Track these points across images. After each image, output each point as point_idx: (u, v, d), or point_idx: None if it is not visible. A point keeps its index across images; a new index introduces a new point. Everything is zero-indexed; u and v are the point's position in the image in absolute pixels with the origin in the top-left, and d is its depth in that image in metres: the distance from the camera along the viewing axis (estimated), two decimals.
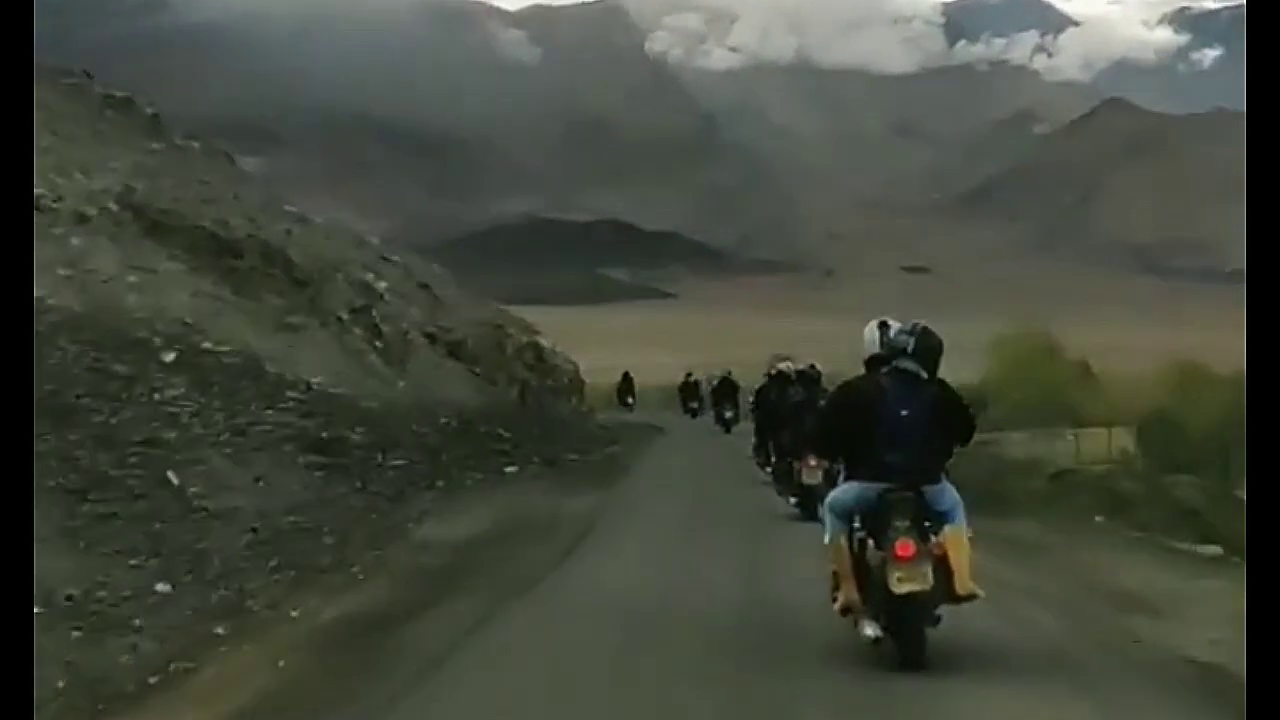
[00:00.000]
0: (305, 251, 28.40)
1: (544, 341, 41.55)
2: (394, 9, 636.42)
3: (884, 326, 10.28)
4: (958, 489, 9.95)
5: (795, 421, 19.95)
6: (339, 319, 27.29)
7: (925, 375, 9.80)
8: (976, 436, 10.70)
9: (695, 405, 55.27)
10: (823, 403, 12.37)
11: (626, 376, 64.80)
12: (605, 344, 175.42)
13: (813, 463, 18.63)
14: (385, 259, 35.19)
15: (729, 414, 44.89)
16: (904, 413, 9.60)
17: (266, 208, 31.27)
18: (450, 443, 24.40)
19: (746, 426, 45.66)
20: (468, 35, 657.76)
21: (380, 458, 21.00)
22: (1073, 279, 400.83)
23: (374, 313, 28.37)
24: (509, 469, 24.72)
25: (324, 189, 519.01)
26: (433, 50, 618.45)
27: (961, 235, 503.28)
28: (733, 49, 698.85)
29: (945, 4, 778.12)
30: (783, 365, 24.49)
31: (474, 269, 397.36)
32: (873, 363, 10.19)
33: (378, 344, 27.74)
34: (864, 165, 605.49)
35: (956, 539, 9.66)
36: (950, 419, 9.92)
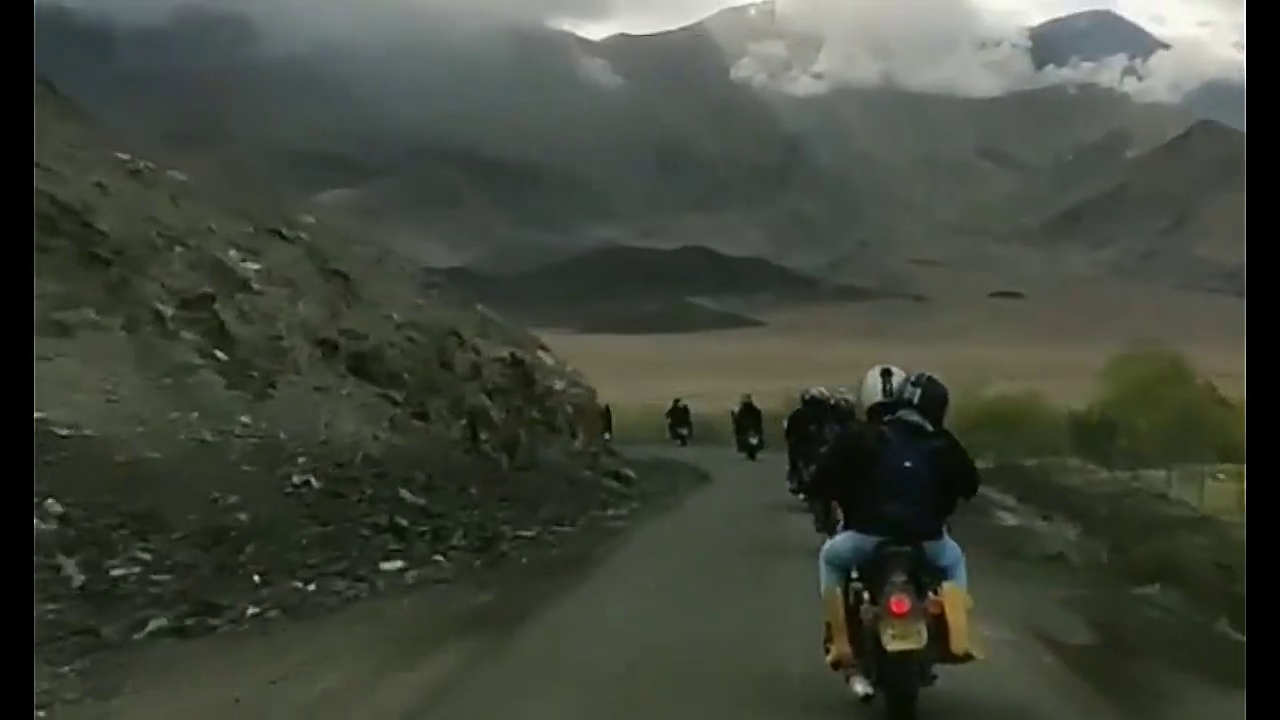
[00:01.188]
0: (125, 216, 18.73)
1: (546, 359, 31.69)
2: (478, 39, 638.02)
3: (887, 374, 9.86)
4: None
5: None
6: (158, 315, 17.49)
7: (930, 427, 9.44)
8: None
9: (685, 433, 51.71)
10: (823, 449, 11.32)
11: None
12: (691, 372, 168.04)
13: None
14: (277, 233, 24.54)
15: (754, 440, 43.27)
16: (906, 464, 9.25)
17: (79, 153, 21.32)
18: (282, 521, 14.37)
19: (768, 455, 41.02)
20: (552, 64, 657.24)
21: (72, 567, 10.90)
22: (1169, 303, 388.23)
23: (218, 307, 18.40)
24: (388, 565, 14.55)
25: (411, 220, 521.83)
26: (517, 80, 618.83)
27: (1053, 260, 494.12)
28: (817, 75, 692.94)
29: (1032, 28, 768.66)
30: (815, 390, 23.79)
31: (558, 297, 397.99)
32: (875, 411, 9.77)
33: (220, 354, 17.81)
34: (952, 190, 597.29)
35: (955, 597, 9.16)
36: (954, 473, 9.42)
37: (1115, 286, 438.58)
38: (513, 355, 26.86)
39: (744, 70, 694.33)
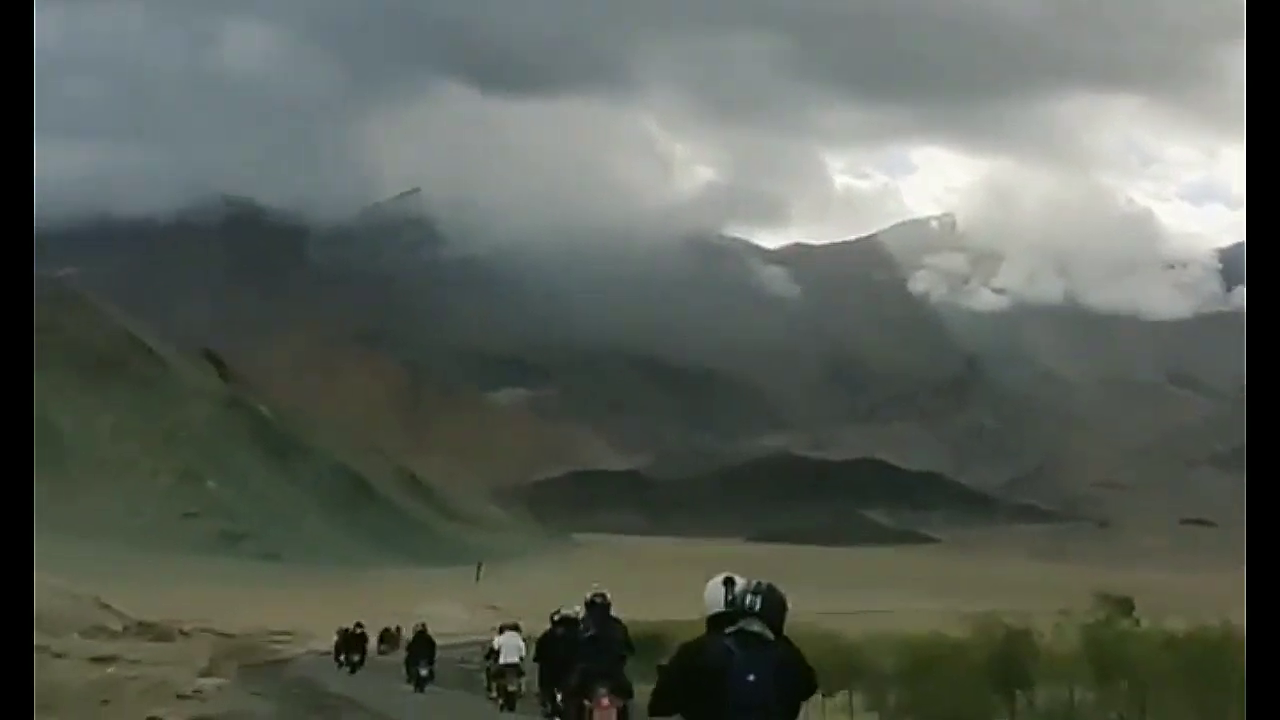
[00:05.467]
0: None
1: None
2: (656, 244, 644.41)
3: (729, 583, 9.87)
4: None
5: (587, 658, 18.97)
6: None
7: (770, 635, 9.39)
8: None
9: (424, 673, 44.79)
10: (663, 663, 10.34)
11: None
12: (860, 588, 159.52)
13: (605, 703, 18.13)
14: None
15: (424, 672, 42.24)
16: (751, 677, 9.18)
17: None
18: None
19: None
20: (729, 272, 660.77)
21: None
22: None
23: None
24: None
25: (583, 423, 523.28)
26: (693, 285, 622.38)
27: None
28: (998, 290, 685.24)
29: (1221, 249, 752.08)
30: (568, 611, 23.06)
31: (727, 505, 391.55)
32: (716, 621, 9.70)
33: None
34: (1138, 413, 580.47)
35: None
36: (796, 679, 9.43)
37: None
38: None
39: (922, 283, 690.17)
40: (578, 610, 21.63)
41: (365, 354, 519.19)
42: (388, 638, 55.27)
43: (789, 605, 9.52)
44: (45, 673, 29.94)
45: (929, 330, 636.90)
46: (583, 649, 19.38)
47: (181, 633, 67.12)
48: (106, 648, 49.13)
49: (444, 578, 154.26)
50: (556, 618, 23.95)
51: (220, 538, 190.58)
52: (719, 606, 9.68)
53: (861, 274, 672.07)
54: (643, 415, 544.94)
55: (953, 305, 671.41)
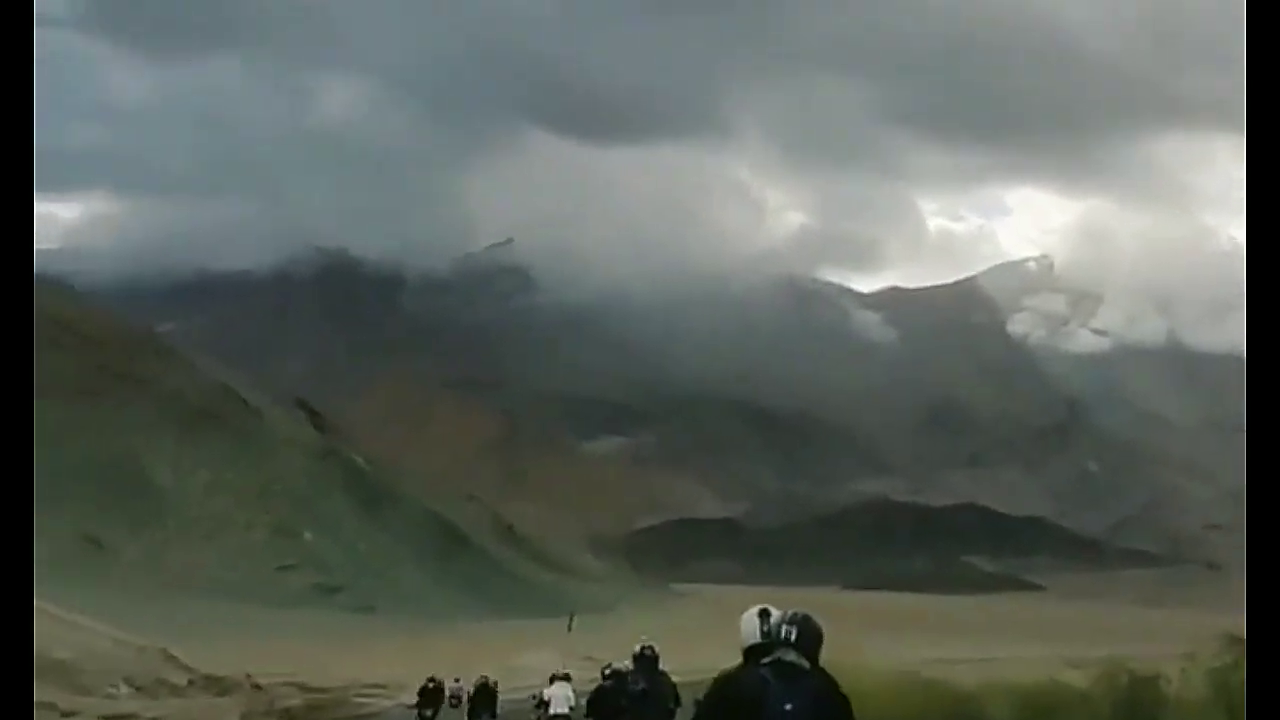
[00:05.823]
0: None
1: None
2: (750, 290, 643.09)
3: (764, 615, 9.99)
4: None
5: (636, 711, 19.45)
6: None
7: (806, 665, 9.38)
8: None
9: (430, 714, 48.50)
10: (700, 697, 10.46)
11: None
12: (966, 636, 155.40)
13: None
14: None
15: None
16: (788, 707, 9.19)
17: None
18: None
19: None
20: (824, 316, 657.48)
21: None
22: None
23: None
24: None
25: (682, 468, 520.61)
26: (790, 330, 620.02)
27: None
28: (1098, 331, 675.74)
29: None
30: (618, 665, 23.61)
31: (825, 552, 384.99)
32: (752, 653, 9.83)
33: None
34: (1244, 454, 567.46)
35: None
36: (834, 709, 9.39)
37: None
38: None
39: (1021, 325, 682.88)
40: (627, 664, 21.74)
41: (461, 403, 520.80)
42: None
43: (824, 636, 9.42)
44: None
45: (1029, 373, 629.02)
46: (632, 702, 19.76)
47: (255, 686, 65.00)
48: (128, 706, 47.35)
49: (540, 628, 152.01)
50: (607, 671, 24.25)
51: (315, 590, 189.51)
52: (755, 638, 9.75)
53: (959, 317, 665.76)
54: (740, 462, 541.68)
55: (1052, 348, 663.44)
